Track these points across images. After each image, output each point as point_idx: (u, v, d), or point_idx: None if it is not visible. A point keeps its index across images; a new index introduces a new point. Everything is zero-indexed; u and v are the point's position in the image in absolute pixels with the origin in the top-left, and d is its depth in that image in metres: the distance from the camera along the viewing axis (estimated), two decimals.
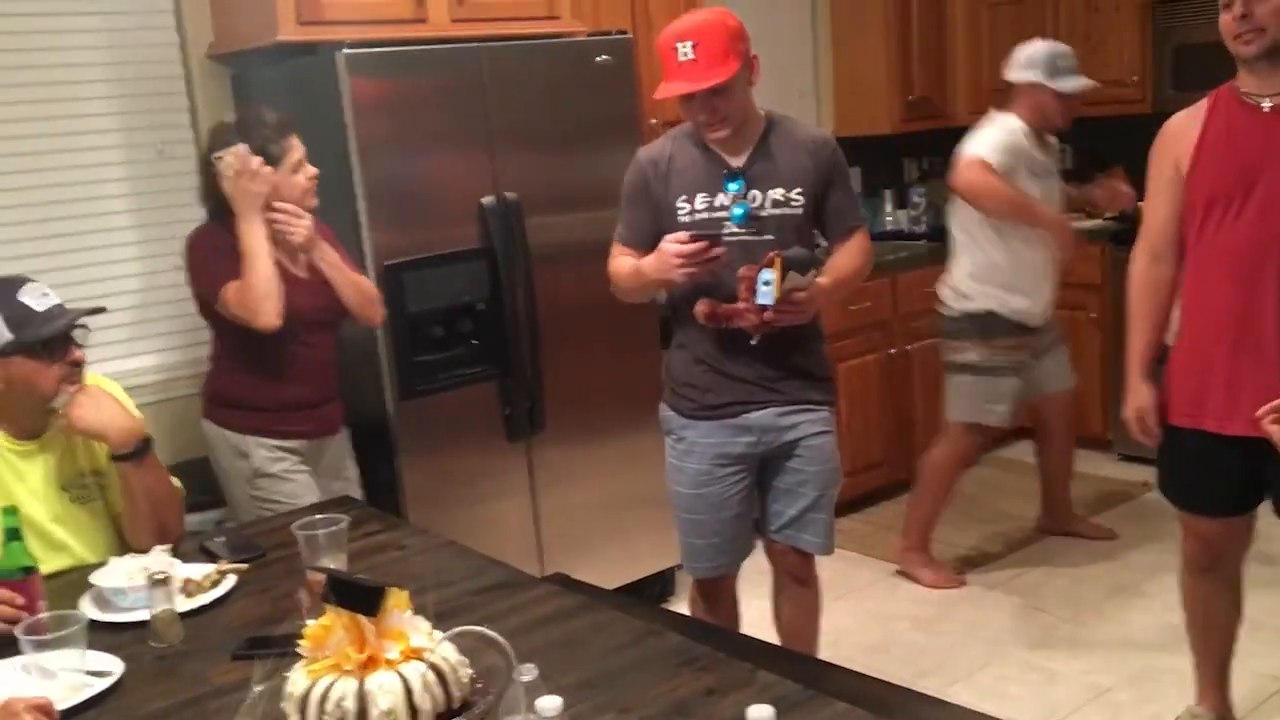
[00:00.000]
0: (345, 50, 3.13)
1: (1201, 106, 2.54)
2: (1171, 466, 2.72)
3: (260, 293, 2.67)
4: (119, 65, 3.47)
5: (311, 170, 2.82)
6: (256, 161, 2.70)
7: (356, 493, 3.02)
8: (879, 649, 3.56)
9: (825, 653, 2.99)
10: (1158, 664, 3.27)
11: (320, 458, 2.96)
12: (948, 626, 3.69)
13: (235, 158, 2.69)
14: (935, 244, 5.06)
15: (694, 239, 2.48)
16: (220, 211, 2.79)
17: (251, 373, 2.86)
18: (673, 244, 2.50)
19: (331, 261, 2.86)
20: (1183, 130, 2.54)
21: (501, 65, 3.42)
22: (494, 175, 3.42)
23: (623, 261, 2.70)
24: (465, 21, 3.47)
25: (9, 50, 3.27)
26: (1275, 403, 2.23)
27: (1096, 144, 5.43)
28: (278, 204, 2.75)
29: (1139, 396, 2.67)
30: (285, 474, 2.86)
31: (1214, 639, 2.80)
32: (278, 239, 2.76)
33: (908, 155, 5.61)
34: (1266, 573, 3.49)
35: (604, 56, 3.60)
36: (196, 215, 3.58)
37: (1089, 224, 5.21)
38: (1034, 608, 3.76)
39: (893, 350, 4.72)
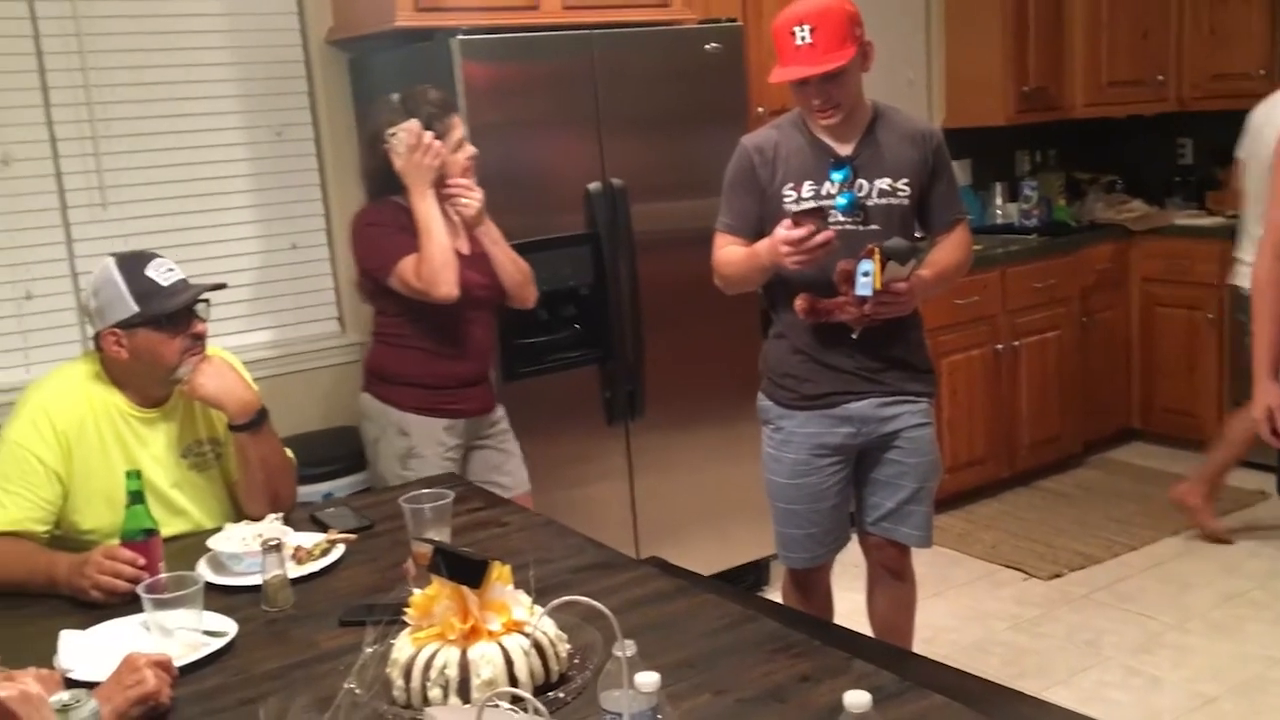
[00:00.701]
0: (460, 36, 3.19)
1: None
2: None
3: (439, 263, 2.72)
4: (241, 50, 3.58)
5: (471, 149, 2.86)
6: (429, 136, 2.76)
7: (520, 467, 3.08)
8: (976, 647, 3.51)
9: (920, 649, 2.97)
10: (1268, 674, 3.17)
11: (475, 434, 3.00)
12: (1049, 628, 3.62)
13: (409, 133, 2.75)
14: (1046, 238, 4.97)
15: (798, 218, 2.44)
16: (384, 189, 2.84)
17: (418, 349, 2.90)
18: (787, 231, 2.47)
19: (494, 238, 2.91)
20: None
21: (612, 52, 3.45)
22: (601, 161, 3.45)
23: (730, 250, 2.69)
24: (577, 9, 3.50)
25: (136, 33, 3.40)
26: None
27: (1221, 139, 5.27)
28: (451, 179, 2.82)
29: (1267, 395, 2.59)
30: (439, 458, 2.90)
31: None
32: (446, 214, 2.82)
33: (1020, 147, 5.49)
34: None
35: (714, 44, 3.60)
36: (313, 195, 3.74)
37: (1207, 221, 5.06)
38: (1139, 613, 3.67)
39: (999, 345, 4.64)
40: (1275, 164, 2.54)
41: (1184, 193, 5.41)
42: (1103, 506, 4.56)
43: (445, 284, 2.72)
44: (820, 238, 2.43)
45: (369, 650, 1.49)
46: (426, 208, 2.75)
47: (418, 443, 2.90)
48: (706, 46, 3.59)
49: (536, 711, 1.06)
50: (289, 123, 3.68)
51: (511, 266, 2.94)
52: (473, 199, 2.83)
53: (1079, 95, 5.18)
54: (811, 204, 2.56)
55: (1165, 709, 3.10)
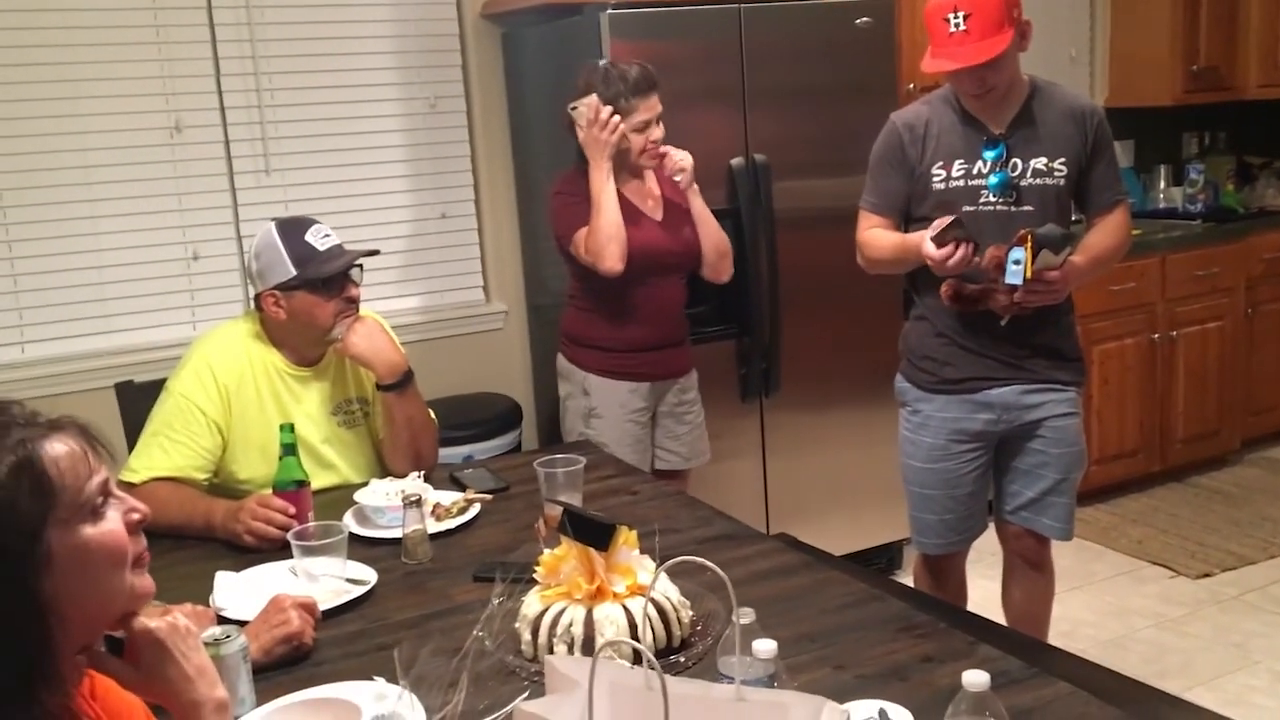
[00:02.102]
0: (609, 11, 3.22)
1: None
2: None
3: (604, 236, 2.79)
4: (399, 23, 3.69)
5: (657, 133, 2.86)
6: (607, 111, 2.80)
7: (702, 441, 3.15)
8: (1116, 644, 3.41)
9: (1057, 642, 2.90)
10: None
11: (660, 400, 3.06)
12: (1193, 628, 3.49)
13: (588, 108, 2.81)
14: (1211, 224, 4.76)
15: (939, 239, 2.38)
16: (579, 157, 2.91)
17: (598, 312, 2.99)
18: (932, 249, 2.41)
19: (700, 207, 2.96)
20: None
21: (760, 27, 3.43)
22: (745, 137, 3.45)
23: (879, 234, 2.65)
24: None
25: (300, 6, 3.54)
26: None
27: None
28: (650, 149, 2.87)
29: None
30: (621, 420, 2.98)
31: None
32: (640, 175, 2.92)
33: (1187, 129, 5.25)
34: None
35: (864, 19, 3.55)
36: (463, 167, 3.84)
37: None
38: None
39: (1155, 335, 4.46)
40: None
41: None
42: (1260, 506, 4.36)
43: (610, 258, 2.79)
44: (958, 256, 2.39)
45: (496, 603, 1.54)
46: (600, 181, 2.81)
47: (599, 404, 2.99)
48: (857, 21, 3.54)
49: (651, 666, 1.08)
50: (443, 95, 3.78)
51: (713, 238, 2.98)
52: (680, 163, 2.87)
53: (1253, 75, 4.91)
54: (961, 184, 2.51)
55: None
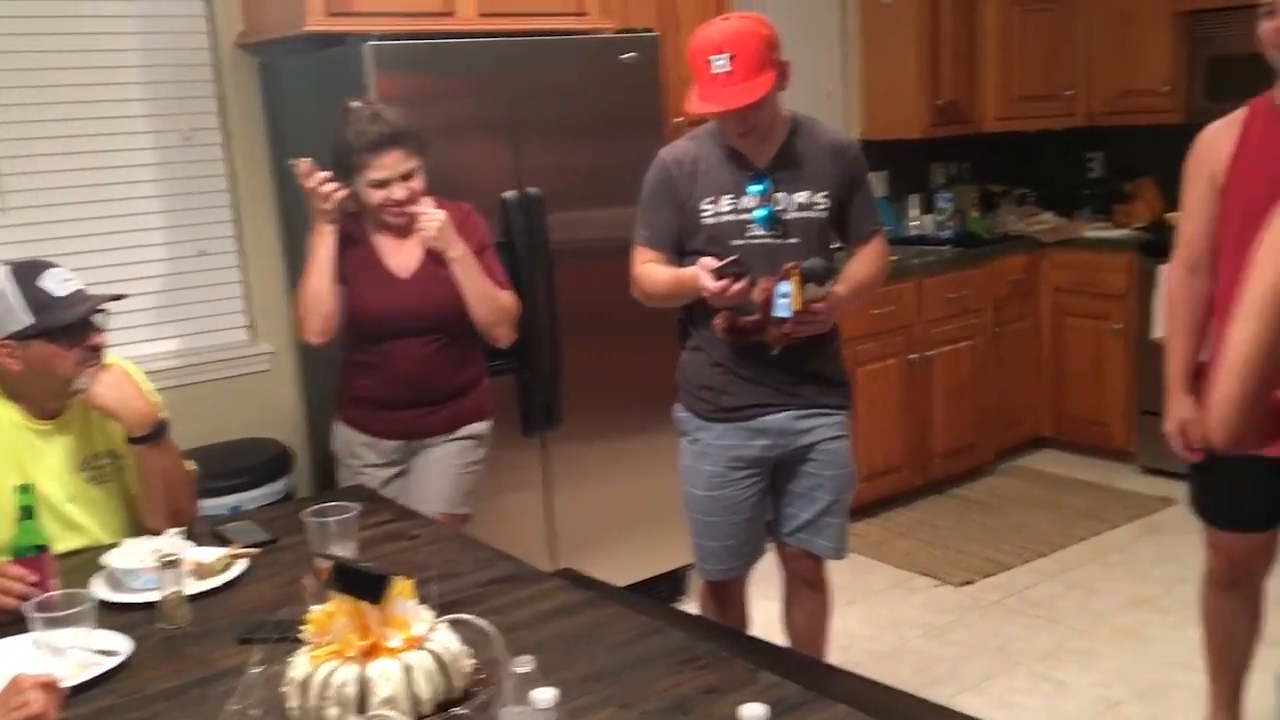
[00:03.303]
0: (372, 42, 3.15)
1: (1238, 117, 2.49)
2: (1205, 482, 2.68)
3: (302, 307, 2.75)
4: (148, 52, 3.50)
5: (398, 192, 2.70)
6: (318, 178, 2.69)
7: (458, 504, 2.89)
8: (889, 655, 3.55)
9: (835, 657, 3.00)
10: (1170, 679, 3.24)
11: (414, 456, 2.89)
12: (959, 635, 3.67)
13: (299, 171, 2.70)
14: (959, 249, 5.06)
15: (723, 271, 2.44)
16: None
17: (348, 362, 2.89)
18: (710, 282, 2.46)
19: (466, 266, 2.76)
20: (1218, 141, 2.49)
21: (527, 61, 3.43)
22: (517, 170, 3.43)
23: (654, 269, 2.67)
24: (492, 16, 3.47)
25: (42, 34, 3.31)
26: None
27: (1128, 154, 5.41)
28: (393, 206, 2.72)
29: (1180, 409, 2.60)
30: (353, 473, 2.88)
31: (1231, 657, 2.77)
32: (384, 226, 2.78)
33: (935, 160, 5.59)
34: None
35: (630, 54, 3.60)
36: (222, 201, 3.66)
37: (1115, 233, 5.18)
38: (1047, 619, 3.74)
39: (913, 355, 4.70)
40: (1186, 180, 2.58)
41: (1093, 205, 5.53)
42: (1014, 514, 4.65)
43: (308, 330, 2.77)
44: (735, 289, 2.45)
45: (255, 671, 1.45)
46: (311, 244, 2.73)
47: (339, 450, 2.92)
48: (622, 56, 3.58)
49: None
50: (198, 127, 3.60)
51: (481, 301, 2.79)
52: (425, 224, 2.72)
53: (991, 109, 5.28)
54: (729, 219, 2.57)
55: (1072, 714, 3.16)
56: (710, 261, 2.48)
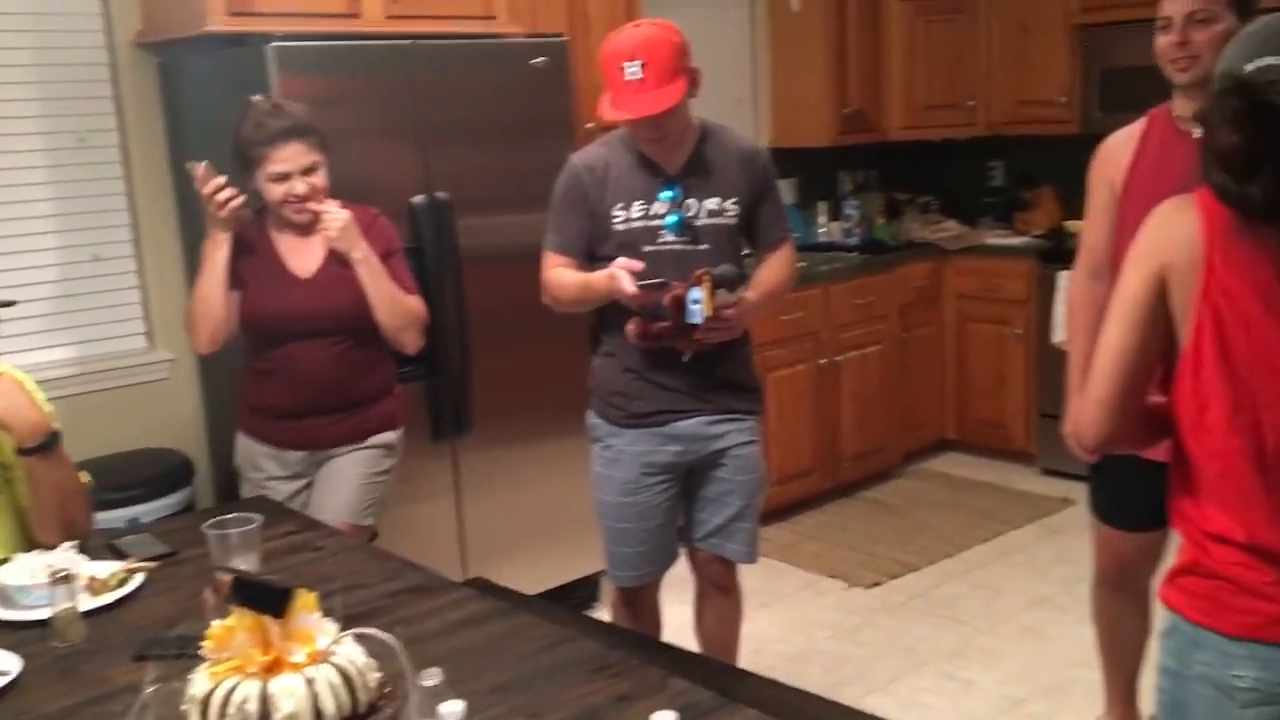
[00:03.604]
0: (275, 44, 3.08)
1: (1138, 127, 2.55)
2: (1099, 483, 2.75)
3: (189, 318, 2.71)
4: (42, 50, 3.38)
5: (299, 186, 2.65)
6: (214, 184, 2.62)
7: (362, 515, 2.79)
8: (800, 658, 3.58)
9: (746, 661, 3.01)
10: (1071, 675, 3.32)
11: (318, 468, 2.82)
12: (868, 636, 3.72)
13: (196, 175, 2.62)
14: (867, 256, 5.14)
15: (646, 288, 2.45)
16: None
17: (248, 369, 2.81)
18: (630, 287, 2.46)
19: (373, 269, 2.71)
20: (1118, 150, 2.56)
21: (435, 64, 3.39)
22: (425, 174, 3.39)
23: (564, 274, 2.66)
24: (400, 19, 3.43)
25: None
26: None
27: (1026, 162, 5.55)
28: (296, 203, 2.67)
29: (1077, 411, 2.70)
30: (255, 485, 2.81)
31: (1123, 656, 2.85)
32: (287, 225, 2.72)
33: (842, 168, 5.66)
34: None
35: (540, 59, 3.58)
36: (118, 205, 3.56)
37: (1016, 241, 5.31)
38: (953, 619, 3.81)
39: (822, 360, 4.76)
40: (1089, 188, 2.65)
41: (994, 213, 5.66)
42: (921, 515, 4.73)
43: (195, 341, 2.75)
44: (656, 294, 2.46)
45: (151, 689, 1.40)
46: (204, 251, 2.69)
47: (240, 464, 2.85)
48: (532, 61, 3.57)
49: None
50: (93, 129, 3.49)
51: (385, 304, 2.72)
52: (329, 221, 2.67)
53: (896, 118, 5.38)
54: (640, 224, 2.58)
55: (977, 712, 3.22)
56: (625, 262, 2.48)
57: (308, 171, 2.67)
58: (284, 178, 2.65)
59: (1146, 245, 1.62)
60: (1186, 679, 1.60)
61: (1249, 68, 1.55)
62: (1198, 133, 2.39)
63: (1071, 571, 3.99)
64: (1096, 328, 2.67)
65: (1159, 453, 2.41)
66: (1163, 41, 2.42)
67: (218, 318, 2.68)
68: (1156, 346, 1.60)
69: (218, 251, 2.67)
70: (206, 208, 2.66)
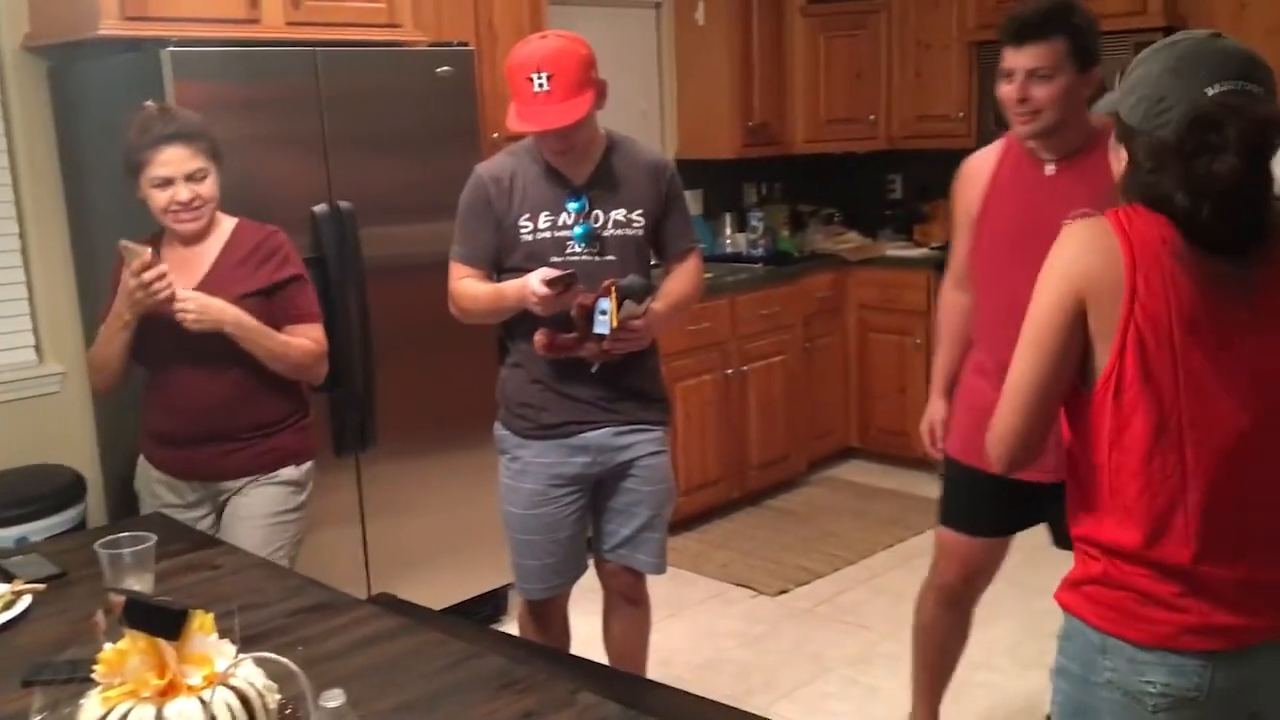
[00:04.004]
0: (171, 48, 3.01)
1: (995, 150, 2.58)
2: (946, 489, 2.80)
3: (90, 359, 2.66)
4: None
5: (183, 193, 2.51)
6: (156, 272, 2.41)
7: (259, 546, 2.53)
8: (708, 666, 3.60)
9: (655, 671, 3.01)
10: (971, 678, 3.38)
11: (217, 503, 2.70)
12: (774, 644, 3.75)
13: (136, 256, 2.42)
14: (771, 267, 5.20)
15: (554, 283, 2.45)
16: (160, 229, 2.61)
17: (145, 389, 2.68)
18: (540, 286, 2.45)
19: (246, 334, 2.53)
20: (977, 170, 2.61)
21: (338, 71, 3.35)
22: (328, 183, 3.34)
23: (473, 285, 2.64)
24: (301, 25, 3.37)
25: None
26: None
27: (924, 176, 5.67)
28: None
29: (934, 411, 2.81)
30: (158, 510, 2.69)
31: (947, 673, 2.91)
32: (195, 240, 2.61)
33: (747, 180, 5.73)
34: None
35: (445, 68, 3.56)
36: (6, 214, 3.44)
37: (915, 252, 5.42)
38: (857, 625, 3.86)
39: (729, 370, 4.79)
40: (953, 205, 2.72)
41: (894, 225, 5.78)
42: (825, 523, 4.79)
43: (92, 383, 2.70)
44: (573, 292, 2.47)
45: (39, 717, 1.35)
46: (109, 325, 2.56)
47: (139, 488, 2.75)
48: (437, 70, 3.54)
49: None
50: None
51: (274, 363, 2.59)
52: (182, 317, 2.46)
53: (799, 132, 5.47)
54: (547, 236, 2.57)
55: (882, 716, 3.27)
56: (548, 272, 2.48)
57: (191, 177, 2.53)
58: (167, 183, 2.51)
59: (1060, 268, 1.58)
60: (1093, 684, 1.61)
61: (1211, 92, 1.49)
62: (1050, 170, 2.43)
63: None
64: (961, 334, 2.77)
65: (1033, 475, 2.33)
66: (1005, 90, 2.40)
67: (112, 370, 2.60)
68: (1070, 374, 1.59)
69: (123, 333, 2.52)
70: (128, 289, 2.45)
